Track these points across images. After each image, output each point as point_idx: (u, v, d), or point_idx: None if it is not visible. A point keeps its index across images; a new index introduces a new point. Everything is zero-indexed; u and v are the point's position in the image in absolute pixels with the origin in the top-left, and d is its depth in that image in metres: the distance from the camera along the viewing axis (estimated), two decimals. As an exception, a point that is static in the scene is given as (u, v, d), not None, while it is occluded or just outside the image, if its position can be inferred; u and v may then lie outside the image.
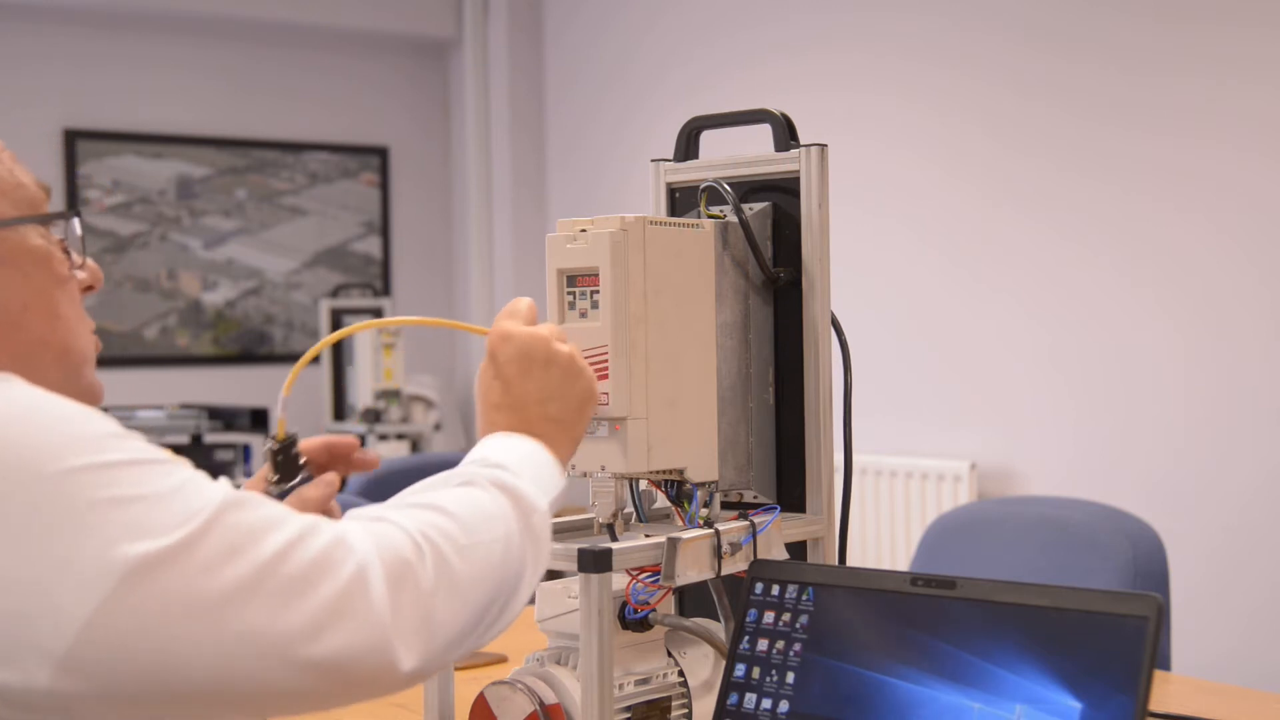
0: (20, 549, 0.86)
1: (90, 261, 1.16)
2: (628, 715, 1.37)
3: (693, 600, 1.53)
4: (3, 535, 0.86)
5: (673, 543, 1.32)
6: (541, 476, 1.16)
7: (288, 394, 1.30)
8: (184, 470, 0.93)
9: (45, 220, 1.09)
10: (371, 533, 0.99)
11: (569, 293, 1.36)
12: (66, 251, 1.12)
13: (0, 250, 1.05)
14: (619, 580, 1.34)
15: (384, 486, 1.88)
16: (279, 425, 1.31)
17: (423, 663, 0.98)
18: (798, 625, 1.28)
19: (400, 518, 1.02)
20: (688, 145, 1.59)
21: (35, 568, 0.86)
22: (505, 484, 1.11)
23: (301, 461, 1.33)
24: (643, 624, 1.39)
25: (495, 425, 1.21)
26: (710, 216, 1.48)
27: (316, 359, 5.91)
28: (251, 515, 0.92)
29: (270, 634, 0.90)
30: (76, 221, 1.13)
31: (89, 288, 1.15)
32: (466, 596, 1.01)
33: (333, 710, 0.99)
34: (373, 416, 5.49)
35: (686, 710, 1.42)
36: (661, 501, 1.45)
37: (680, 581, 1.32)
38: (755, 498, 1.51)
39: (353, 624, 0.93)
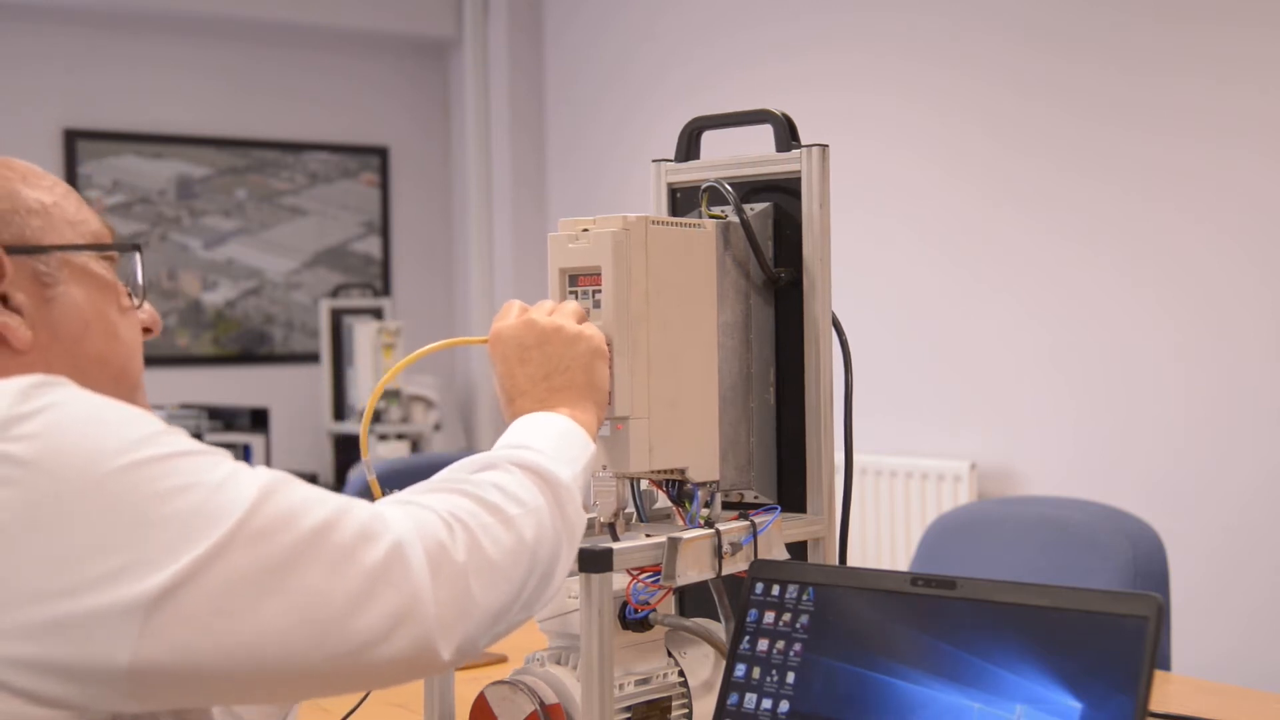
0: (91, 543, 0.90)
1: (149, 305, 1.21)
2: (628, 715, 1.37)
3: (693, 600, 1.53)
4: (73, 531, 0.90)
5: (673, 543, 1.32)
6: (565, 445, 1.20)
7: (367, 455, 1.34)
8: (228, 459, 0.98)
9: (106, 249, 1.15)
10: (406, 514, 1.03)
11: (571, 292, 1.36)
12: (130, 295, 1.18)
13: (64, 273, 1.12)
14: (619, 580, 1.34)
15: (386, 487, 1.88)
16: (372, 486, 1.33)
17: (464, 640, 1.02)
18: (798, 625, 1.28)
19: (429, 500, 1.06)
20: (689, 145, 1.59)
21: (108, 560, 0.90)
22: (526, 462, 1.14)
23: None
24: (643, 624, 1.39)
25: (516, 416, 1.26)
26: (711, 216, 1.48)
27: (317, 360, 5.93)
28: (294, 494, 0.98)
29: (322, 602, 0.95)
30: (138, 259, 1.20)
31: (147, 330, 1.21)
32: (501, 573, 1.05)
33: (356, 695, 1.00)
34: (373, 416, 5.50)
35: (686, 710, 1.42)
36: (662, 501, 1.45)
37: (681, 581, 1.32)
38: (756, 498, 1.51)
39: (395, 594, 0.98)
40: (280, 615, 0.93)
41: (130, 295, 1.18)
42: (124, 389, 1.13)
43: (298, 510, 0.96)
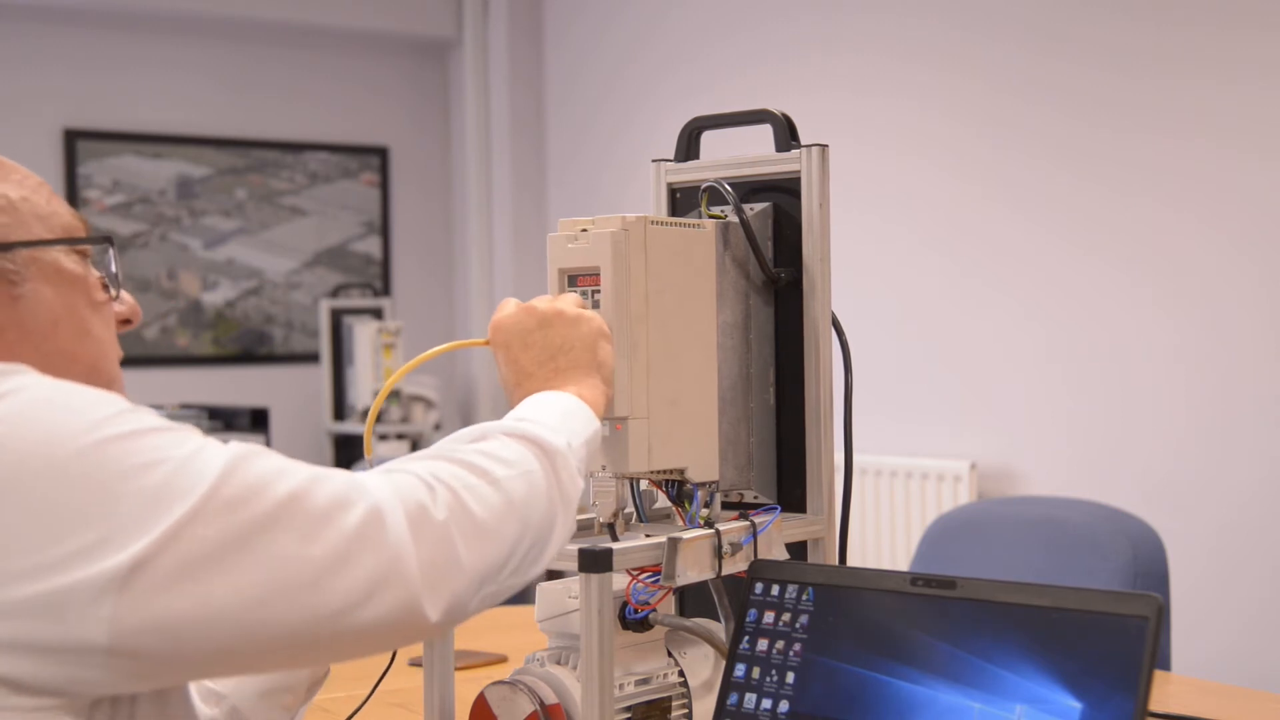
0: (61, 522, 0.91)
1: (128, 295, 1.19)
2: (628, 715, 1.37)
3: (693, 600, 1.53)
4: (42, 511, 0.91)
5: (673, 543, 1.32)
6: (567, 420, 1.19)
7: (370, 455, 1.34)
8: (196, 435, 0.98)
9: (75, 243, 1.13)
10: (384, 479, 1.03)
11: (570, 292, 1.36)
12: (105, 286, 1.16)
13: (33, 269, 1.09)
14: (619, 580, 1.34)
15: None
16: None
17: (451, 600, 1.01)
18: (798, 625, 1.28)
19: (411, 466, 1.06)
20: (688, 145, 1.59)
21: (78, 538, 0.90)
22: (518, 430, 1.14)
23: None
24: (643, 624, 1.39)
25: (520, 400, 1.25)
26: (711, 216, 1.48)
27: (317, 360, 5.93)
28: (265, 464, 0.97)
29: (296, 566, 0.94)
30: (112, 252, 1.17)
31: (126, 321, 1.19)
32: (489, 531, 1.04)
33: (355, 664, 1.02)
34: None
35: (686, 710, 1.42)
36: (662, 501, 1.45)
37: (680, 581, 1.32)
38: (756, 498, 1.51)
39: (373, 556, 0.97)
40: (255, 582, 0.93)
41: (106, 287, 1.16)
42: (98, 386, 1.10)
43: (268, 479, 0.96)
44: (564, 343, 1.26)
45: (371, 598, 0.96)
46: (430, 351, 1.37)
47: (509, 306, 1.31)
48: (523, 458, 1.11)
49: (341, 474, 1.01)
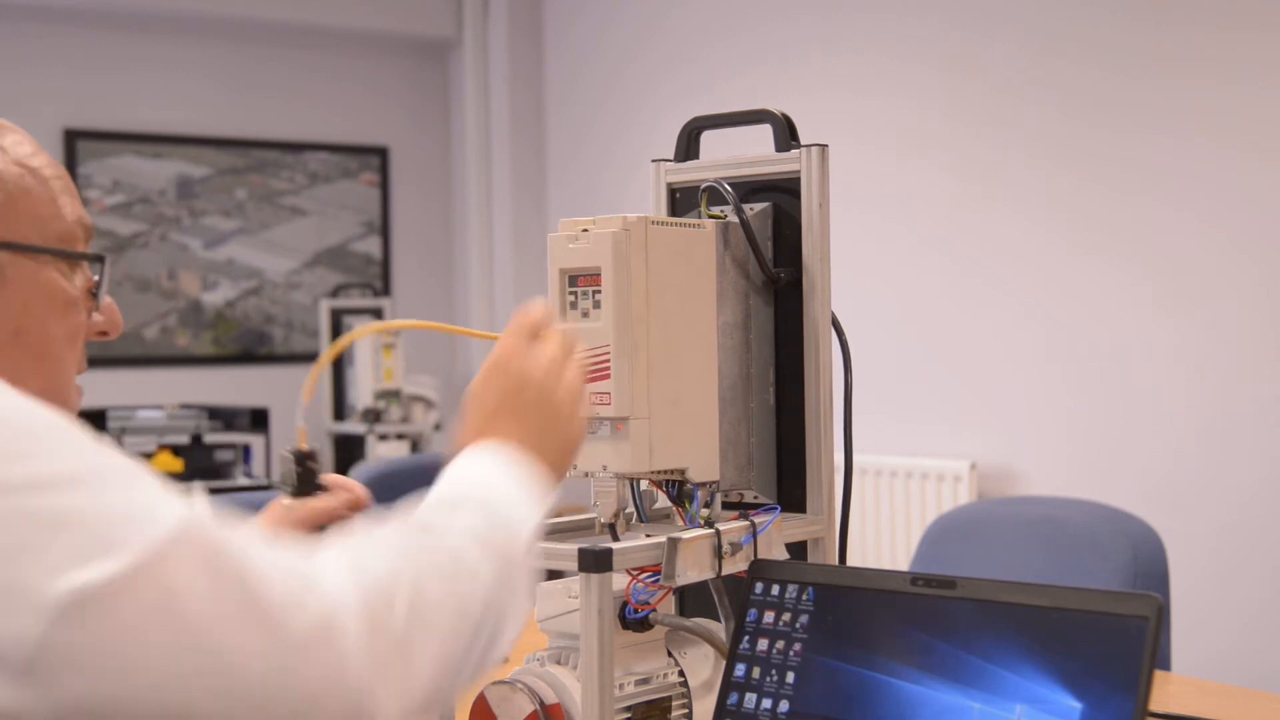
0: None
1: (112, 305, 1.13)
2: (628, 715, 1.37)
3: (693, 600, 1.53)
4: None
5: (673, 543, 1.32)
6: (541, 503, 1.08)
7: (308, 400, 1.30)
8: (142, 483, 0.86)
9: (62, 256, 1.07)
10: (346, 576, 0.92)
11: (570, 292, 1.36)
12: (92, 294, 1.10)
13: (9, 273, 1.03)
14: (619, 580, 1.34)
15: (385, 487, 1.88)
16: (300, 434, 1.31)
17: (401, 707, 0.91)
18: (798, 625, 1.28)
19: (376, 560, 0.95)
20: (688, 145, 1.59)
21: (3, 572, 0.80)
22: (496, 542, 1.02)
23: (319, 479, 1.32)
24: (643, 624, 1.39)
25: (483, 434, 1.12)
26: (711, 216, 1.49)
27: (316, 359, 5.91)
28: (210, 541, 0.86)
29: (232, 666, 0.84)
30: (104, 270, 1.11)
31: (104, 333, 1.13)
32: (446, 649, 0.94)
33: None
34: (373, 416, 5.50)
35: (686, 710, 1.42)
36: (662, 501, 1.45)
37: (680, 581, 1.32)
38: (756, 498, 1.51)
39: (320, 667, 0.86)
40: (188, 675, 0.82)
41: (92, 293, 1.10)
42: (48, 404, 0.99)
43: (209, 562, 0.84)
44: (551, 429, 1.13)
45: (315, 706, 0.86)
46: (453, 327, 1.37)
47: (531, 336, 1.17)
48: (490, 570, 0.99)
49: (301, 566, 0.90)
